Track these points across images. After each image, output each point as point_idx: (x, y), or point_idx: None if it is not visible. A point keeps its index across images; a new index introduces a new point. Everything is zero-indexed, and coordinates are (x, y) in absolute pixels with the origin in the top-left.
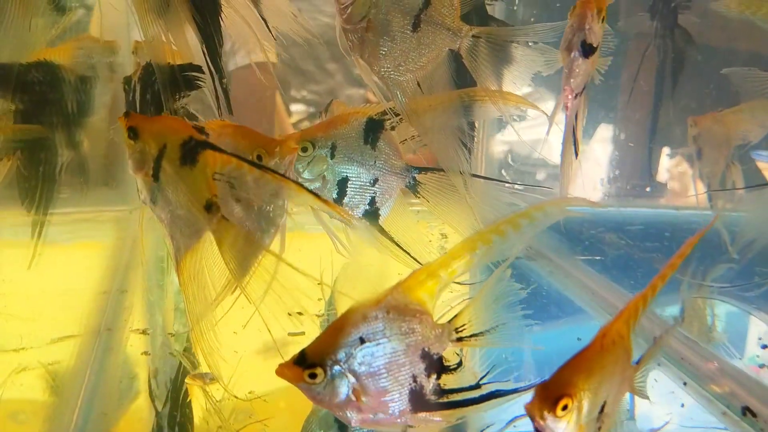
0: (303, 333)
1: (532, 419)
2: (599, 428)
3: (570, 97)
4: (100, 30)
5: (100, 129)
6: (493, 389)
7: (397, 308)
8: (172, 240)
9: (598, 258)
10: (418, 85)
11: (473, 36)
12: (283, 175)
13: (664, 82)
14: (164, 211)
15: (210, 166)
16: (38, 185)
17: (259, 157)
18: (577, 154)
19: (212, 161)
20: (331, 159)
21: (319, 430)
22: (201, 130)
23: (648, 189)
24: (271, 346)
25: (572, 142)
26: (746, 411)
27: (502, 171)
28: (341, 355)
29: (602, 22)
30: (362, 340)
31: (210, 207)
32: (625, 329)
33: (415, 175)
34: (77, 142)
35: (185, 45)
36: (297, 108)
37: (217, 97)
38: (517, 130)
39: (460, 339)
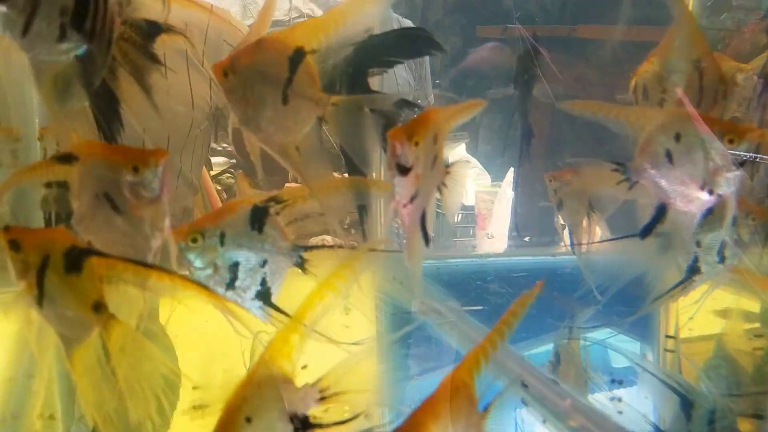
0: None
1: None
2: None
3: (402, 205)
4: None
5: None
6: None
7: (266, 382)
8: (61, 337)
9: (480, 308)
10: (297, 148)
11: (333, 104)
12: (165, 270)
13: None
14: (51, 312)
15: (95, 270)
16: None
17: (135, 169)
18: (427, 244)
19: (97, 265)
20: (221, 246)
21: None
22: (69, 155)
23: (527, 239)
24: None
25: (421, 237)
26: None
27: None
28: None
29: (416, 145)
30: (248, 420)
31: (98, 307)
32: (468, 377)
33: (301, 253)
34: None
35: (90, 133)
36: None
37: None
38: None
39: (323, 398)
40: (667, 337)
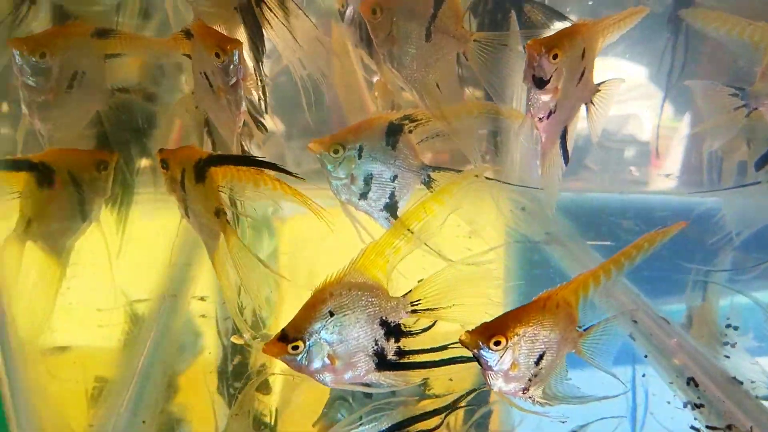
0: None
1: (469, 349)
2: (535, 375)
3: (537, 121)
4: None
5: None
6: (454, 355)
7: (357, 285)
8: (205, 243)
9: (608, 243)
10: (437, 85)
11: (474, 40)
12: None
13: None
14: (194, 221)
15: (215, 179)
16: None
17: (217, 54)
18: (566, 163)
19: (216, 175)
20: (359, 159)
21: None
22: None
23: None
24: None
25: (561, 154)
26: (690, 381)
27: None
28: (316, 327)
29: (554, 58)
30: (331, 314)
31: (218, 213)
32: (573, 298)
33: (429, 173)
34: None
35: None
36: None
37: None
38: None
39: (414, 311)
40: None
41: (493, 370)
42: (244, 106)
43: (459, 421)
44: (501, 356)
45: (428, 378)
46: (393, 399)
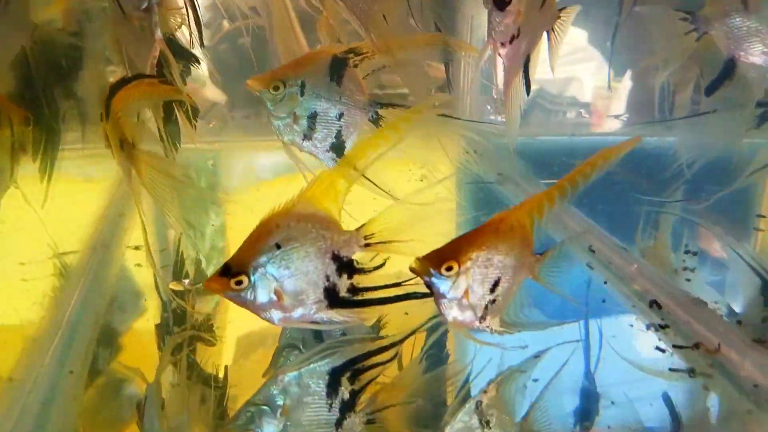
0: None
1: (420, 276)
2: (491, 302)
3: (499, 46)
4: None
5: None
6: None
7: (306, 217)
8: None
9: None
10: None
11: None
12: None
13: None
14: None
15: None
16: None
17: None
18: (528, 92)
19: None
20: (301, 96)
21: (297, 335)
22: None
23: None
24: None
25: (523, 83)
26: (653, 304)
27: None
28: (261, 260)
29: None
30: (278, 246)
31: (122, 145)
32: (527, 219)
33: (378, 109)
34: None
35: None
36: None
37: None
38: None
39: (368, 245)
40: (758, 216)
41: (446, 298)
42: (159, 34)
43: (415, 354)
44: (454, 282)
45: (382, 316)
46: (346, 340)
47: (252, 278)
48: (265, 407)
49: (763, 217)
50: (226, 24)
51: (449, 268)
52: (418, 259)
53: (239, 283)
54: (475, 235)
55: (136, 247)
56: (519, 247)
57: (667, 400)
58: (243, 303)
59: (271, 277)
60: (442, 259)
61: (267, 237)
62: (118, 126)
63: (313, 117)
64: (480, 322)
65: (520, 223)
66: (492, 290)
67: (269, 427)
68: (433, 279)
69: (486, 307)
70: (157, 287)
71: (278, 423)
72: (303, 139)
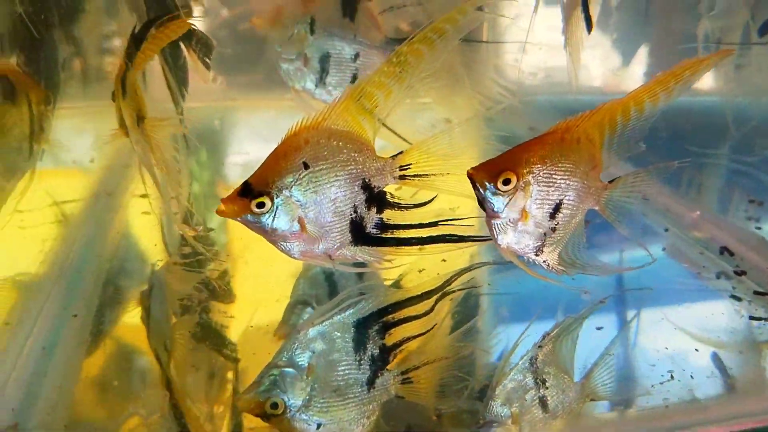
0: None
1: (474, 188)
2: (552, 229)
3: None
4: None
5: None
6: (442, 233)
7: (338, 134)
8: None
9: None
10: None
11: None
12: None
13: None
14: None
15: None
16: None
17: None
18: (590, 30)
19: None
20: (311, 35)
21: (310, 290)
22: None
23: None
24: None
25: (584, 19)
26: (724, 250)
27: None
28: (287, 180)
29: None
30: (306, 165)
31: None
32: (596, 134)
33: (396, 47)
34: None
35: None
36: None
37: None
38: None
39: (403, 177)
40: None
41: (500, 218)
42: None
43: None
44: (510, 199)
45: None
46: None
47: (275, 201)
48: (289, 369)
49: None
50: None
51: (506, 181)
52: (472, 169)
53: (261, 205)
54: (535, 144)
55: (143, 195)
56: (585, 165)
57: (716, 360)
58: (261, 230)
59: (295, 203)
60: (499, 169)
61: (294, 154)
62: (135, 100)
63: (325, 58)
64: (536, 254)
65: (587, 136)
66: (552, 216)
67: (295, 391)
68: (487, 193)
69: (545, 235)
70: (164, 239)
71: (305, 385)
72: (316, 86)
